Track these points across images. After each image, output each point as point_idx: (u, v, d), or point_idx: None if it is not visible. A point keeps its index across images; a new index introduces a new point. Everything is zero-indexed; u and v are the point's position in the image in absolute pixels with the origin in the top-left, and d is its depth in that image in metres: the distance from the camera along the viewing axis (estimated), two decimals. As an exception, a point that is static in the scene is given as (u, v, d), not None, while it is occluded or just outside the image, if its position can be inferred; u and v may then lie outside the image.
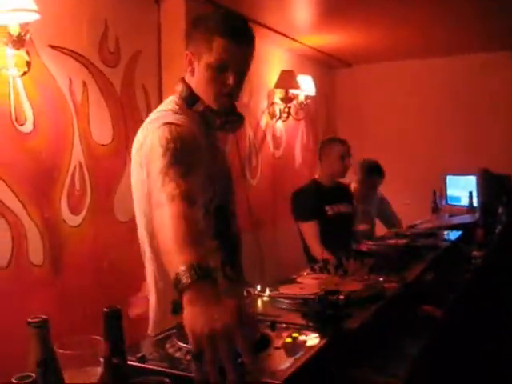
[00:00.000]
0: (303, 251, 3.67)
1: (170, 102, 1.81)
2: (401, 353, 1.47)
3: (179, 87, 1.81)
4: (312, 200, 3.60)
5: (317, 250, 3.43)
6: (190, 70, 1.77)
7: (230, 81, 1.73)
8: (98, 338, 1.01)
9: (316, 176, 3.81)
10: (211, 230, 1.76)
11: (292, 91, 4.98)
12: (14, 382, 0.71)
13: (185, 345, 1.20)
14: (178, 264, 1.13)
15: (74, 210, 2.93)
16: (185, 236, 1.25)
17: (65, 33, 2.92)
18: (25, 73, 2.58)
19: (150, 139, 1.59)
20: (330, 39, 5.14)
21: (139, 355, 1.16)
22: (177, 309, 1.16)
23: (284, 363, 1.16)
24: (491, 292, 2.73)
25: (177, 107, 1.76)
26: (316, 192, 3.66)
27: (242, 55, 1.76)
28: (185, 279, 1.08)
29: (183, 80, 1.81)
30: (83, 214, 2.98)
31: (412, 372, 1.39)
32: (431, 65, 5.84)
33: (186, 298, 1.07)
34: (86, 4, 3.06)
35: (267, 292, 1.68)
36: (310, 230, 3.54)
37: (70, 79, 2.94)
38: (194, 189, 1.42)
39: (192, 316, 1.03)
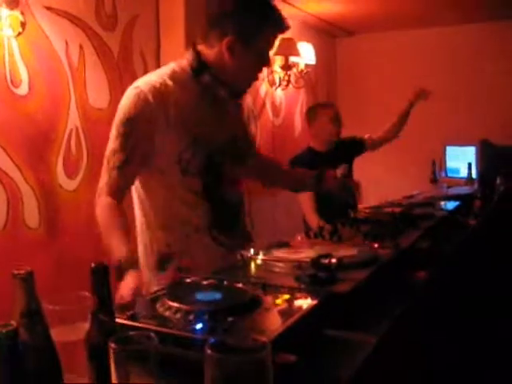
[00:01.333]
0: (303, 220, 3.67)
1: (167, 67, 1.87)
2: (390, 315, 1.47)
3: (189, 55, 1.86)
4: (307, 168, 3.57)
5: (312, 219, 3.43)
6: (227, 51, 1.80)
7: (267, 63, 1.92)
8: (87, 294, 1.01)
9: (310, 144, 3.78)
10: (194, 189, 1.87)
11: (292, 59, 4.93)
12: (-6, 330, 0.70)
13: (175, 304, 1.19)
14: (115, 255, 1.65)
15: (70, 174, 2.92)
16: (109, 230, 1.74)
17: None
18: (19, 33, 2.55)
19: (119, 106, 1.80)
20: (331, 7, 5.07)
21: (130, 313, 1.16)
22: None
23: (274, 323, 1.16)
24: (481, 257, 2.74)
25: (169, 72, 1.83)
26: (311, 160, 3.63)
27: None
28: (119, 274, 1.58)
29: (194, 48, 1.86)
30: (79, 178, 2.97)
31: (391, 330, 1.40)
32: (433, 34, 5.78)
33: None
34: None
35: (260, 255, 1.67)
36: (305, 199, 3.53)
37: (67, 42, 2.90)
38: (128, 178, 1.80)
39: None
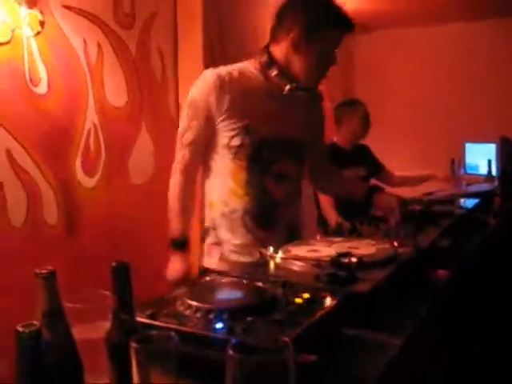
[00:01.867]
0: (317, 217, 3.65)
1: (240, 63, 2.03)
2: (412, 315, 1.46)
3: (260, 53, 2.00)
4: None
5: (332, 216, 3.42)
6: (292, 46, 1.92)
7: (332, 62, 2.00)
8: (107, 292, 1.01)
9: (334, 139, 3.76)
10: (238, 176, 2.00)
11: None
12: (19, 329, 0.70)
13: (195, 302, 1.19)
14: (170, 231, 1.99)
15: (89, 172, 2.93)
16: (174, 209, 2.00)
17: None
18: (38, 33, 2.57)
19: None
20: (349, 2, 5.03)
21: (149, 312, 1.16)
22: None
23: (294, 323, 1.15)
24: (501, 256, 2.71)
25: (239, 65, 2.00)
26: (334, 156, 3.61)
27: (342, 42, 2.00)
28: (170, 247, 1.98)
29: (267, 48, 1.99)
30: (98, 176, 2.99)
31: (416, 331, 1.38)
32: (451, 31, 5.73)
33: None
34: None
35: (280, 253, 1.67)
36: (325, 196, 3.52)
37: (85, 40, 2.91)
38: (197, 157, 2.01)
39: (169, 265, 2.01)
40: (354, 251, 1.60)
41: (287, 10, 1.95)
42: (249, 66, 2.01)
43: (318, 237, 2.02)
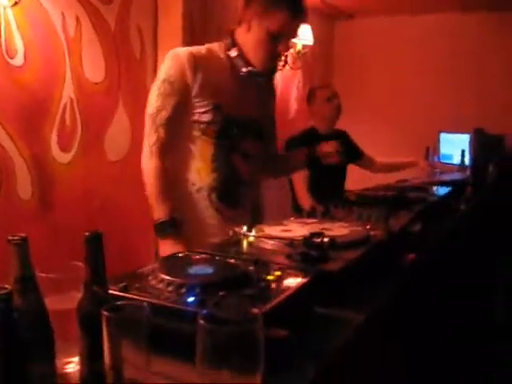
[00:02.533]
0: (291, 202, 3.67)
1: (207, 44, 2.09)
2: (379, 295, 1.49)
3: (227, 38, 2.06)
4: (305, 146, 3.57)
5: (305, 201, 3.43)
6: (247, 26, 1.99)
7: (282, 48, 2.01)
8: (80, 264, 1.01)
9: (313, 123, 3.79)
10: (207, 152, 2.04)
11: (290, 39, 4.89)
12: (-11, 293, 0.70)
13: (167, 277, 1.20)
14: (156, 216, 1.96)
15: (64, 147, 2.91)
16: (158, 194, 1.97)
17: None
18: (15, 3, 2.53)
19: (160, 66, 2.04)
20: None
21: (121, 284, 1.17)
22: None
23: (265, 299, 1.16)
24: (468, 241, 2.76)
25: (206, 46, 2.06)
26: (310, 140, 3.62)
27: (297, 26, 2.03)
28: (157, 232, 1.98)
29: (232, 31, 2.07)
30: (73, 151, 2.96)
31: (378, 309, 1.42)
32: (433, 20, 5.75)
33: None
34: None
35: (253, 232, 1.68)
36: (298, 179, 3.53)
37: (63, 14, 2.87)
38: (173, 134, 1.99)
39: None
40: (327, 232, 1.62)
41: None
42: (214, 47, 2.07)
43: (292, 218, 2.04)
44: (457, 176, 3.92)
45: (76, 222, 2.89)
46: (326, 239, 1.51)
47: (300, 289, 1.24)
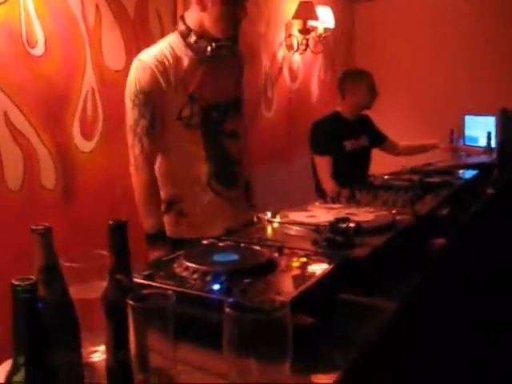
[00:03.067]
0: (315, 186, 3.65)
1: (164, 39, 2.12)
2: (407, 281, 1.46)
3: (180, 26, 2.09)
4: (330, 133, 3.55)
5: (328, 184, 3.41)
6: (201, 6, 2.00)
7: (241, 12, 2.03)
8: (105, 252, 1.01)
9: (338, 109, 3.72)
10: (195, 139, 2.08)
11: (310, 23, 4.84)
12: (14, 283, 0.70)
13: (192, 264, 1.19)
14: (145, 227, 2.05)
15: (87, 136, 2.91)
16: (145, 207, 2.05)
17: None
18: (35, -7, 2.51)
19: (128, 79, 2.06)
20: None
21: (146, 273, 1.16)
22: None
23: (290, 286, 1.15)
24: (496, 224, 2.71)
25: (166, 43, 2.07)
26: (336, 125, 3.60)
27: None
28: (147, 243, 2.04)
29: (182, 17, 2.10)
30: (95, 140, 2.96)
31: (410, 298, 1.39)
32: (456, 1, 5.63)
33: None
34: None
35: (277, 218, 1.66)
36: (323, 164, 3.50)
37: (83, 2, 2.85)
38: (156, 142, 2.03)
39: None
40: (353, 217, 1.59)
41: None
42: (173, 40, 2.09)
43: (317, 203, 2.02)
44: (483, 159, 3.85)
45: (99, 211, 2.89)
46: (351, 225, 1.48)
47: (325, 275, 1.22)
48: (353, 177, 2.93)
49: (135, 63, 2.03)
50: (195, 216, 2.12)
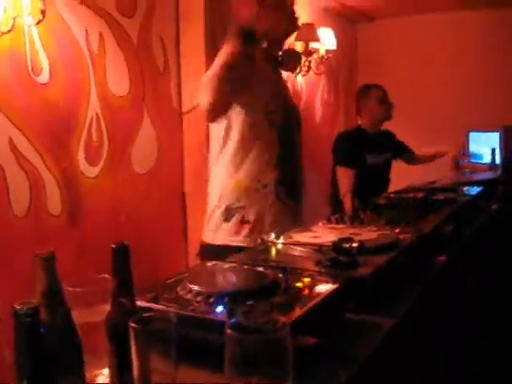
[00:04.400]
0: (330, 198, 3.68)
1: None
2: (409, 299, 1.46)
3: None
4: (354, 146, 3.61)
5: (348, 203, 3.42)
6: (259, 19, 2.01)
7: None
8: (107, 276, 1.01)
9: (360, 122, 3.81)
10: (275, 123, 2.07)
11: (312, 44, 4.88)
12: (16, 307, 0.71)
13: (195, 286, 1.19)
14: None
15: (92, 161, 2.93)
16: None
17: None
18: (39, 21, 2.55)
19: None
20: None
21: (150, 295, 1.17)
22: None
23: (294, 306, 1.15)
24: (501, 240, 2.71)
25: None
26: (359, 138, 3.67)
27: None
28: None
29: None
30: (101, 165, 2.98)
31: (408, 313, 1.39)
32: (458, 18, 5.67)
33: None
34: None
35: (281, 239, 1.67)
36: (345, 175, 3.53)
37: (86, 29, 2.90)
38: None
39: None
40: (356, 237, 1.60)
41: None
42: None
43: (321, 223, 2.02)
44: (488, 175, 3.85)
45: (104, 236, 2.91)
46: (354, 244, 1.48)
47: (330, 295, 1.22)
48: (373, 191, 2.95)
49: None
50: (257, 224, 2.10)
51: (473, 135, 4.89)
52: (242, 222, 2.09)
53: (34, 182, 2.64)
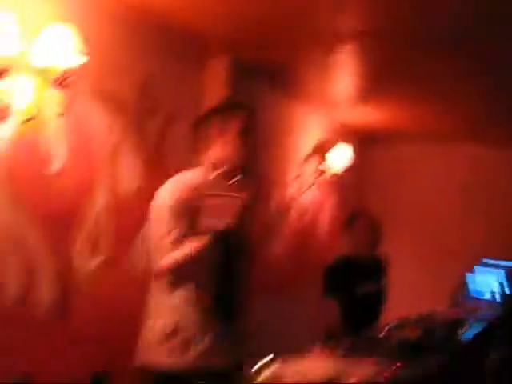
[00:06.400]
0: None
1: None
2: None
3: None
4: (339, 278, 3.50)
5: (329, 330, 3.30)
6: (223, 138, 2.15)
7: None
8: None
9: (346, 250, 3.71)
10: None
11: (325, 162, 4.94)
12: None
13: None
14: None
15: (90, 256, 2.89)
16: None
17: (106, 78, 2.96)
18: (61, 113, 2.61)
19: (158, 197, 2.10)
20: (368, 114, 5.17)
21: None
22: None
23: None
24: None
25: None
26: (347, 268, 3.53)
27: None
28: None
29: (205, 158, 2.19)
30: (99, 262, 2.94)
31: None
32: (468, 152, 5.78)
33: None
34: (127, 55, 3.13)
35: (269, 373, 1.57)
36: (327, 309, 3.42)
37: (106, 124, 2.96)
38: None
39: None
40: (348, 375, 1.53)
41: None
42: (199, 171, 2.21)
43: (316, 347, 1.95)
44: (488, 314, 3.78)
45: (95, 334, 2.81)
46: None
47: None
48: (364, 322, 2.87)
49: (167, 185, 2.13)
50: (202, 344, 2.04)
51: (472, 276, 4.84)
52: (181, 344, 2.04)
53: (30, 270, 2.58)
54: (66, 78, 2.54)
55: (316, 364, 1.70)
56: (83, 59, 2.54)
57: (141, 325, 2.14)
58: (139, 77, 3.18)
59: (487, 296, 4.40)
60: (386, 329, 2.59)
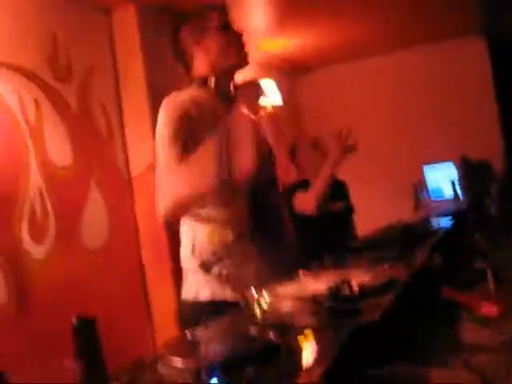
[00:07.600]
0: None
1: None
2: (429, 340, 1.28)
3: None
4: None
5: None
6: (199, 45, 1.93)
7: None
8: (69, 361, 0.79)
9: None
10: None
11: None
12: None
13: (179, 361, 0.97)
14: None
15: (38, 240, 2.66)
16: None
17: (11, 48, 2.72)
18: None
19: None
20: (286, 43, 5.03)
21: (125, 378, 0.94)
22: None
23: (300, 370, 0.95)
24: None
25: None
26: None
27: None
28: None
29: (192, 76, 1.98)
30: (48, 244, 2.71)
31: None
32: (395, 58, 5.77)
33: None
34: (32, 18, 2.87)
35: (266, 295, 1.45)
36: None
37: (21, 98, 2.70)
38: None
39: None
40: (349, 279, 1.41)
41: None
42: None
43: (301, 273, 1.83)
44: (452, 205, 3.79)
45: (58, 322, 2.60)
46: (355, 288, 1.29)
47: (339, 350, 1.02)
48: (330, 240, 2.76)
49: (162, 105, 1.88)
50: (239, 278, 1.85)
51: (429, 169, 4.85)
52: (221, 275, 1.85)
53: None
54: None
55: (311, 280, 1.57)
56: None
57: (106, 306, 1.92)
58: (45, 42, 2.92)
59: (446, 195, 4.41)
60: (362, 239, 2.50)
